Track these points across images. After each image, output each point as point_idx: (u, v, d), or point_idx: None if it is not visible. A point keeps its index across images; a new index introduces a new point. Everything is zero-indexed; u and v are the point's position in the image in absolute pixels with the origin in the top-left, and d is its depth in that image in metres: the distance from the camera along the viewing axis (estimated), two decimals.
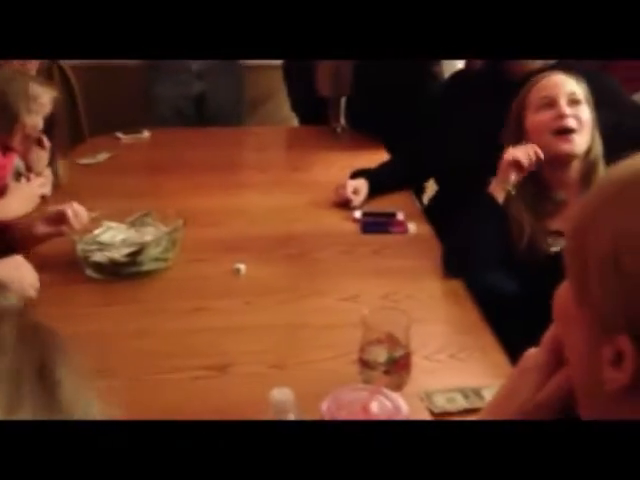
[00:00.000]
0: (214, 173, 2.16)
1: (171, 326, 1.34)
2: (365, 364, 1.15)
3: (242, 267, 1.54)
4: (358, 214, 1.83)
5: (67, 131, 3.03)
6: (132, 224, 1.64)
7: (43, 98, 1.79)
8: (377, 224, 1.77)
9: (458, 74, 2.20)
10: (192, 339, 1.30)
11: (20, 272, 1.39)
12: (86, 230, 1.55)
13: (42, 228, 1.53)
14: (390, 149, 2.30)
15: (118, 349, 1.26)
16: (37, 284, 1.40)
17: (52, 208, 1.56)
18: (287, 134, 2.73)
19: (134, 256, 1.50)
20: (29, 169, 1.92)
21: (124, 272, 1.50)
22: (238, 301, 1.43)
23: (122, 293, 1.46)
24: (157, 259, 1.53)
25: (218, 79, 2.79)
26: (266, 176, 2.18)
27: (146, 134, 2.50)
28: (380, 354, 1.15)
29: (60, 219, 1.53)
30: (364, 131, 2.48)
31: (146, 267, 1.51)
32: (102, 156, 2.27)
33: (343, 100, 2.65)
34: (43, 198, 1.89)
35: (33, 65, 2.15)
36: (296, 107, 2.82)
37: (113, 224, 1.62)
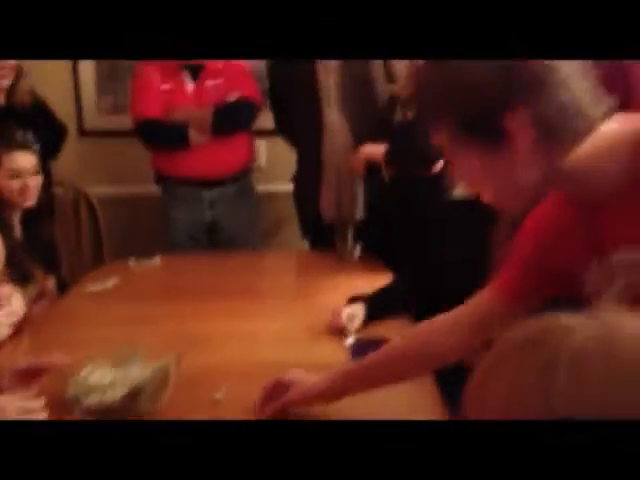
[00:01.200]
0: (217, 299, 2.17)
1: None
2: None
3: (219, 395, 1.52)
4: (350, 341, 1.81)
5: (91, 259, 3.16)
6: (117, 363, 1.56)
7: None
8: (367, 351, 1.73)
9: (463, 200, 2.23)
10: None
11: None
12: (72, 373, 1.49)
13: (4, 383, 1.44)
14: (395, 273, 2.30)
15: None
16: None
17: (25, 362, 1.49)
18: (297, 259, 2.76)
19: (129, 399, 1.44)
20: None
21: (119, 416, 1.42)
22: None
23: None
24: (150, 399, 1.46)
25: (230, 208, 2.89)
26: (269, 302, 2.19)
27: (157, 260, 2.57)
28: None
29: (34, 375, 1.45)
30: (377, 255, 2.50)
31: (140, 409, 1.44)
32: (110, 282, 2.33)
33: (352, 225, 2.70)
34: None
35: (30, 195, 2.26)
36: (306, 232, 2.87)
37: (98, 363, 1.55)
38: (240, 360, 1.72)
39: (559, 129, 0.94)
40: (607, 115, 0.97)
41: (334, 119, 2.59)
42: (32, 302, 2.21)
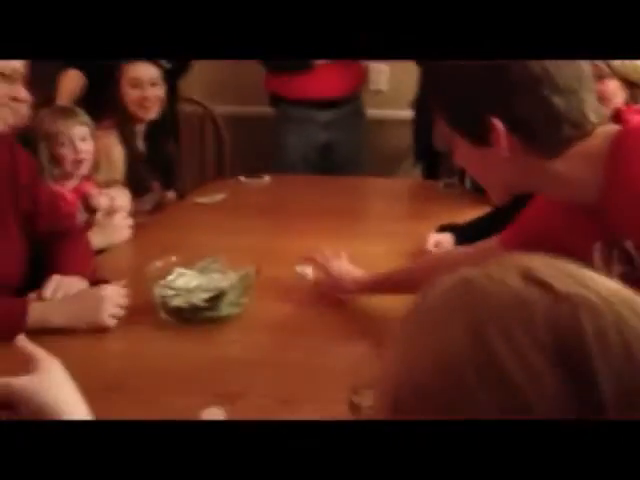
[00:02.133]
0: (316, 219, 2.22)
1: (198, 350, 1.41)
2: (355, 409, 1.13)
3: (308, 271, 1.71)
4: None
5: (213, 175, 3.30)
6: (201, 270, 1.64)
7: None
8: None
9: None
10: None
11: (101, 303, 1.46)
12: (159, 276, 1.57)
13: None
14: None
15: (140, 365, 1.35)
16: (120, 312, 1.49)
17: None
18: (405, 187, 2.73)
19: (213, 301, 1.52)
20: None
21: (203, 317, 1.52)
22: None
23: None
24: (233, 304, 1.54)
25: (343, 130, 2.90)
26: (365, 226, 2.22)
27: (267, 178, 2.65)
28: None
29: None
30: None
31: (224, 312, 1.53)
32: (218, 197, 2.43)
33: None
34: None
35: (149, 107, 2.36)
36: (419, 159, 2.83)
37: (183, 270, 1.63)
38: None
39: (545, 136, 0.94)
40: (600, 123, 0.95)
41: None
42: (149, 212, 2.37)
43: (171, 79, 2.61)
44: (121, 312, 1.50)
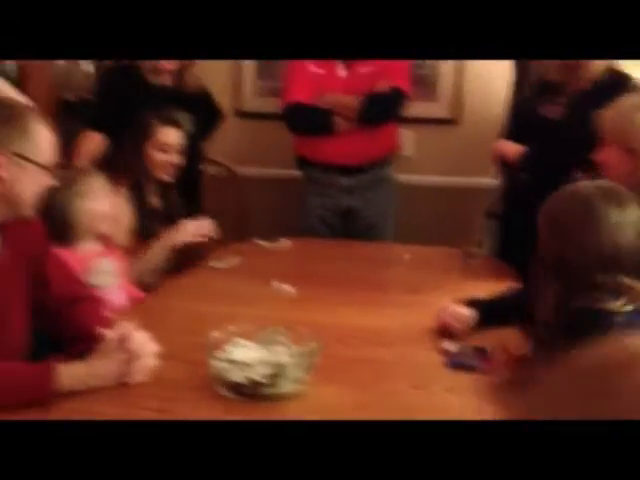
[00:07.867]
0: (327, 286, 2.15)
1: None
2: None
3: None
4: (448, 345, 1.68)
5: (234, 236, 3.23)
6: (262, 341, 1.53)
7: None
8: (464, 359, 1.61)
9: None
10: None
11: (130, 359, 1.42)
12: (217, 346, 1.47)
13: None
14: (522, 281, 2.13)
15: None
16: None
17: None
18: (428, 254, 2.61)
19: (274, 377, 1.41)
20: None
21: (262, 393, 1.40)
22: None
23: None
24: (295, 381, 1.43)
25: (367, 196, 2.84)
26: (376, 295, 2.12)
27: (285, 242, 2.57)
28: None
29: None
30: (510, 261, 2.33)
31: (284, 389, 1.41)
32: (233, 261, 2.36)
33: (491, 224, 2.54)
34: None
35: (170, 171, 2.33)
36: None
37: (243, 341, 1.52)
38: (329, 353, 1.64)
39: None
40: None
41: None
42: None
43: (194, 143, 2.57)
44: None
